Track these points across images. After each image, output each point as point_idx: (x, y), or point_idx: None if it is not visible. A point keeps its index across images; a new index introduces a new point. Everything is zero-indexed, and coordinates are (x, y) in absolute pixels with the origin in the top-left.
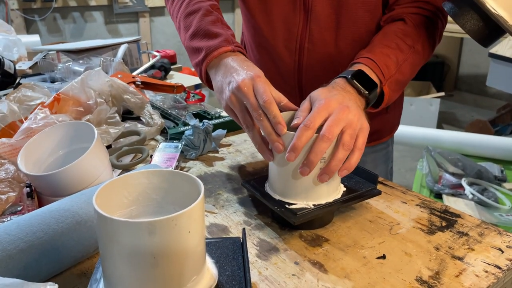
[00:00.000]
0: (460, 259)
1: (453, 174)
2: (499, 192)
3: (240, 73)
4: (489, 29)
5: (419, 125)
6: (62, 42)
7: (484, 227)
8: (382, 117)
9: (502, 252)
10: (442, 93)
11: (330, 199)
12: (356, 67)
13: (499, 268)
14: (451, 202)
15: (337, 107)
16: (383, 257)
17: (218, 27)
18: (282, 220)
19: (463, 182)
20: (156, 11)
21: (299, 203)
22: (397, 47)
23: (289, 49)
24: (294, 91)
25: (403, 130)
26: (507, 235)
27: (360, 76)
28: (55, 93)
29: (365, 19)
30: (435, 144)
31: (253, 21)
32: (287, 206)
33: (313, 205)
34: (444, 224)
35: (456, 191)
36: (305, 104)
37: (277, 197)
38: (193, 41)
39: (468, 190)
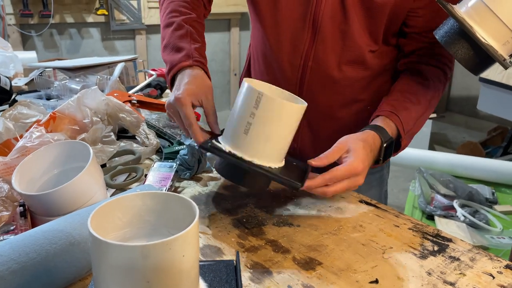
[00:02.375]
0: (452, 284)
1: (444, 196)
2: (490, 215)
3: (176, 90)
4: (480, 57)
5: (411, 146)
6: (59, 59)
7: (476, 252)
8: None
9: (493, 277)
10: (434, 115)
11: (248, 159)
12: (384, 123)
13: None
14: (443, 224)
15: (359, 177)
16: (376, 281)
17: (184, 41)
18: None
19: (455, 204)
20: (152, 29)
21: (223, 145)
22: (417, 102)
23: (293, 65)
24: None
25: None
26: (498, 260)
27: (390, 143)
28: (51, 112)
29: (368, 43)
30: (427, 165)
31: (262, 33)
32: (214, 141)
33: (229, 151)
34: (436, 248)
35: (448, 212)
36: (336, 148)
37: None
38: (164, 53)
39: (459, 212)
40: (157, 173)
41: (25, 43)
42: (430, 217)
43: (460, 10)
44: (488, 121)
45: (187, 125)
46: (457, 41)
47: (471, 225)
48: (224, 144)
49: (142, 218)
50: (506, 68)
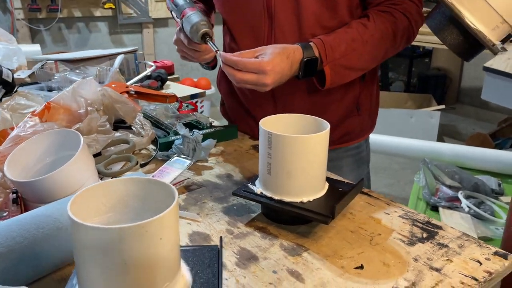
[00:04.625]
0: (438, 270)
1: (449, 187)
2: (496, 206)
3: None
4: (469, 43)
5: (419, 138)
6: (64, 52)
7: (465, 239)
8: (353, 118)
9: (481, 264)
10: (443, 106)
11: (277, 197)
12: (311, 44)
13: (476, 279)
14: (447, 215)
15: (266, 76)
16: (361, 267)
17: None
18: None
19: (460, 195)
20: (160, 22)
21: (256, 187)
22: (350, 38)
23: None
24: (266, 94)
25: (403, 143)
26: (487, 247)
27: (312, 61)
28: (46, 102)
29: (326, 18)
30: (434, 157)
31: (226, 27)
32: (248, 184)
33: (261, 192)
34: (425, 235)
35: (453, 204)
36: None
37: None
38: None
39: (464, 203)
40: (167, 167)
41: (34, 37)
42: (435, 208)
43: None
44: (499, 112)
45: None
46: (446, 27)
47: (476, 216)
48: (257, 187)
49: (126, 203)
50: (495, 53)
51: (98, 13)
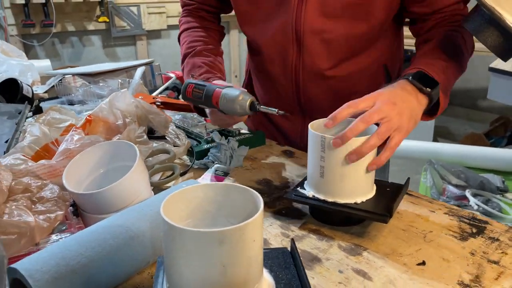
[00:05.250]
0: (496, 262)
1: (456, 186)
2: (503, 203)
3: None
4: (509, 44)
5: (416, 139)
6: (71, 66)
7: None
8: None
9: None
10: None
11: (330, 199)
12: (413, 70)
13: None
14: None
15: (382, 100)
16: (423, 263)
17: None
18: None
19: (467, 193)
20: (153, 34)
21: (307, 191)
22: (439, 58)
23: (286, 76)
24: (295, 110)
25: (402, 144)
26: None
27: (420, 76)
28: (86, 115)
29: (354, 44)
30: (434, 157)
31: (252, 51)
32: (299, 188)
33: (313, 196)
34: (474, 230)
35: (461, 202)
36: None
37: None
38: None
39: (472, 201)
40: (211, 175)
41: (28, 53)
42: None
43: None
44: (490, 112)
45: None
46: (486, 29)
47: (484, 213)
48: (308, 190)
49: (203, 209)
50: None
51: (91, 26)
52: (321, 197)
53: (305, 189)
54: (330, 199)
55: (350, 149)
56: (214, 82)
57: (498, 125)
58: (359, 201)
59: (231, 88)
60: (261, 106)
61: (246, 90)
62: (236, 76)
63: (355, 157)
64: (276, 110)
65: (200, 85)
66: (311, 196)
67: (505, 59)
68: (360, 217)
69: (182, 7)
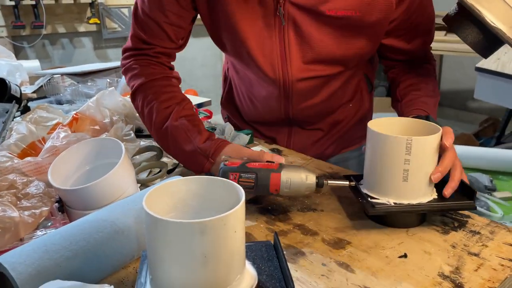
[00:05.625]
0: (476, 255)
1: None
2: (490, 201)
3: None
4: (489, 41)
5: None
6: (60, 67)
7: (494, 225)
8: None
9: None
10: None
11: (415, 201)
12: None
13: None
14: None
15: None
16: (405, 256)
17: (188, 146)
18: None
19: None
20: None
21: (382, 199)
22: (434, 94)
23: (275, 97)
24: (283, 120)
25: None
26: None
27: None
28: (74, 113)
29: (340, 71)
30: None
31: (239, 74)
32: (369, 199)
33: (394, 203)
34: (456, 224)
35: None
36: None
37: (364, 191)
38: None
39: None
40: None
41: (18, 55)
42: None
43: None
44: (479, 113)
45: (258, 158)
46: (466, 26)
47: (473, 211)
48: (383, 198)
49: (186, 203)
50: None
51: (82, 28)
52: (405, 202)
53: (377, 198)
54: (414, 202)
55: (435, 148)
56: (253, 163)
57: (487, 126)
58: (436, 197)
59: (289, 169)
60: (329, 182)
61: (302, 166)
62: None
63: (440, 176)
64: (348, 182)
65: (247, 171)
66: (392, 204)
67: (485, 56)
68: (447, 211)
69: (128, 50)
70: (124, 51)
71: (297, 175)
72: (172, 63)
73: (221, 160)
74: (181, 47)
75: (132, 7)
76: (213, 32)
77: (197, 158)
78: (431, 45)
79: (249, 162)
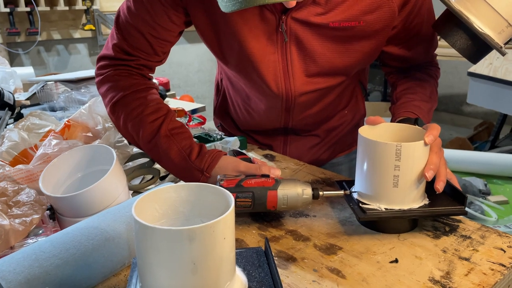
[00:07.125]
0: (467, 259)
1: None
2: (485, 205)
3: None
4: (477, 47)
5: None
6: (54, 74)
7: (485, 230)
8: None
9: (504, 251)
10: None
11: (406, 207)
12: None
13: (504, 266)
14: None
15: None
16: (396, 261)
17: (183, 162)
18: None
19: None
20: None
21: (373, 205)
22: (429, 99)
23: (276, 122)
24: (279, 129)
25: None
26: (507, 236)
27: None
28: (66, 120)
29: (340, 81)
30: None
31: (234, 87)
32: (361, 205)
33: (385, 208)
34: (447, 229)
35: None
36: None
37: (356, 197)
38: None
39: None
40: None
41: (13, 61)
42: None
43: (457, 3)
44: (473, 117)
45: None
46: (455, 32)
47: (467, 216)
48: (374, 204)
49: (176, 209)
50: (503, 54)
51: (77, 35)
52: (396, 207)
53: (368, 204)
54: (405, 207)
55: (424, 153)
56: (250, 179)
57: (481, 130)
58: (427, 202)
59: (285, 184)
60: (324, 193)
61: (297, 179)
62: None
63: (433, 172)
64: (343, 191)
65: (244, 191)
66: (383, 209)
67: (473, 61)
68: (439, 216)
69: (106, 59)
70: (100, 59)
71: (294, 191)
72: (163, 71)
73: (216, 174)
74: (162, 60)
75: None
76: (215, 48)
77: (192, 173)
78: (435, 52)
79: (244, 180)
